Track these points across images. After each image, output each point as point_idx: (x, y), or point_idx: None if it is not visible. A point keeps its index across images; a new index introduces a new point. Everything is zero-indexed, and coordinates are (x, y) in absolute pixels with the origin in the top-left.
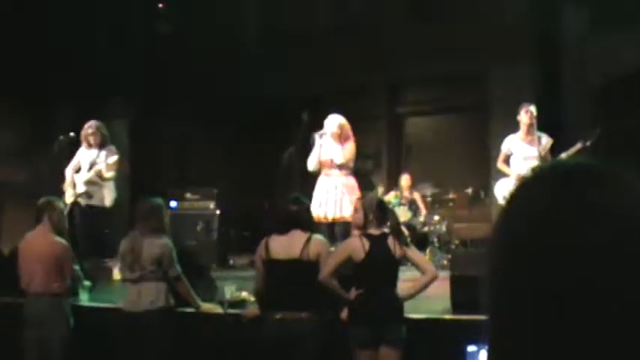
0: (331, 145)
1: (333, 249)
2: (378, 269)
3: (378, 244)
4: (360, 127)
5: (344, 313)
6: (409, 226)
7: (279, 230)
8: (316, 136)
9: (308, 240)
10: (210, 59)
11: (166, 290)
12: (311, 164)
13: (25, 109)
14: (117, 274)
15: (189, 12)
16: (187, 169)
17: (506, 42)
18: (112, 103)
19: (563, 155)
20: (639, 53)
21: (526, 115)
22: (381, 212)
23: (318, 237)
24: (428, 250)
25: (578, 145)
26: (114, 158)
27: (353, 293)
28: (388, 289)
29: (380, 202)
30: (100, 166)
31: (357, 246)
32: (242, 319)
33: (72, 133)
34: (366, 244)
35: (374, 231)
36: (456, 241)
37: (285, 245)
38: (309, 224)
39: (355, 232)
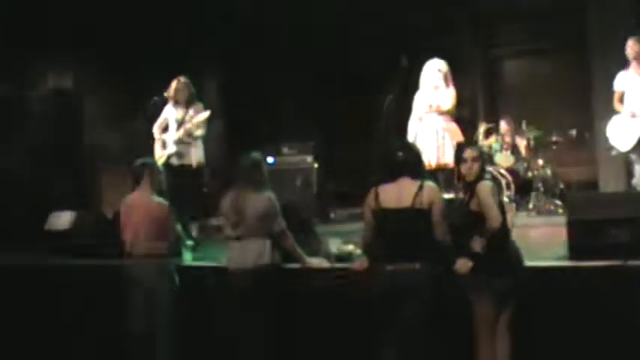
0: (432, 90)
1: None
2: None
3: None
4: (454, 71)
5: (462, 264)
6: (512, 171)
7: (388, 179)
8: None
9: (420, 187)
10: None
11: (271, 246)
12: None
13: (118, 73)
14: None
15: None
16: (282, 124)
17: None
18: (202, 61)
19: None
20: None
21: (632, 45)
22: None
23: (430, 184)
24: (533, 195)
25: None
26: (204, 115)
27: (478, 243)
28: (504, 238)
29: (477, 149)
30: (189, 124)
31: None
32: (351, 273)
33: (166, 93)
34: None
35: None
36: (561, 186)
37: (396, 194)
38: (420, 171)
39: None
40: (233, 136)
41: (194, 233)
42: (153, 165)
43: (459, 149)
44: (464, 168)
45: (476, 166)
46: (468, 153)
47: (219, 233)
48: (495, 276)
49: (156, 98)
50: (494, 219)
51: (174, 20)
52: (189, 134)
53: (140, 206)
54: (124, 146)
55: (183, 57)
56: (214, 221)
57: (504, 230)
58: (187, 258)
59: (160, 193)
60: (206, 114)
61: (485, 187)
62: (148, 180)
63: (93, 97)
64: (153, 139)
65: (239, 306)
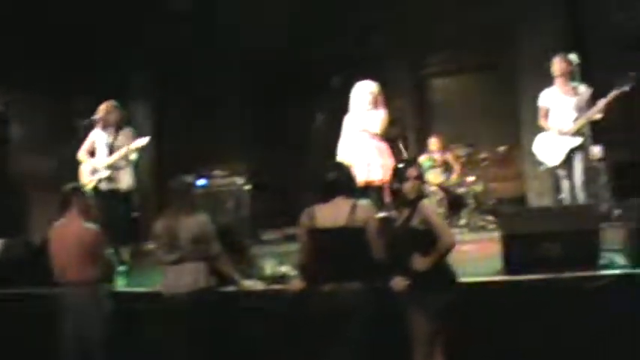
0: (363, 112)
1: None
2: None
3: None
4: (384, 90)
5: (398, 282)
6: (444, 188)
7: (322, 199)
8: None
9: (354, 206)
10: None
11: (206, 269)
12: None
13: (46, 99)
14: None
15: None
16: (212, 148)
17: None
18: (133, 84)
19: (602, 102)
20: None
21: (558, 62)
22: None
23: (364, 202)
24: (465, 211)
25: (616, 91)
26: (144, 141)
27: (423, 260)
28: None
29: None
30: (125, 149)
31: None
32: (287, 294)
33: (95, 117)
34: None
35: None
36: (492, 201)
37: (330, 214)
38: (352, 190)
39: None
40: (164, 160)
41: (126, 258)
42: (81, 189)
43: (402, 167)
44: (407, 186)
45: (417, 184)
46: (411, 171)
47: (152, 258)
48: (432, 293)
49: (85, 121)
50: (449, 237)
51: (103, 43)
52: (125, 159)
53: (70, 232)
54: (53, 171)
55: (113, 79)
56: (146, 246)
57: None
58: (120, 283)
59: (90, 218)
60: (145, 140)
61: (431, 206)
62: (78, 205)
63: (21, 121)
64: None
65: (175, 330)
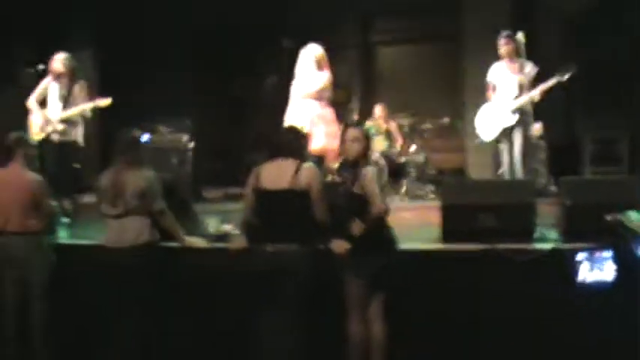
0: (307, 74)
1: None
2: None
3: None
4: (331, 56)
5: (338, 245)
6: (386, 156)
7: (268, 159)
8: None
9: (298, 168)
10: None
11: (150, 224)
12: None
13: None
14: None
15: None
16: (158, 102)
17: None
18: (77, 35)
19: (539, 88)
20: None
21: (503, 43)
22: (355, 143)
23: (309, 165)
24: (405, 181)
25: (555, 80)
26: (106, 101)
27: (359, 226)
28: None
29: (365, 134)
30: (88, 105)
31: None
32: (229, 252)
33: (41, 66)
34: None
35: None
36: (433, 171)
37: (276, 175)
38: (299, 153)
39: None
40: (108, 112)
41: (69, 210)
42: (26, 139)
43: (345, 130)
44: (343, 148)
45: (355, 146)
46: (349, 133)
47: (94, 211)
48: (369, 257)
49: (29, 70)
50: (377, 206)
51: None
52: (81, 114)
53: (13, 182)
54: None
55: (58, 30)
56: (89, 198)
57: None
58: (63, 235)
59: (34, 168)
60: (107, 100)
61: (369, 172)
62: (22, 155)
63: None
64: (26, 112)
65: (116, 284)
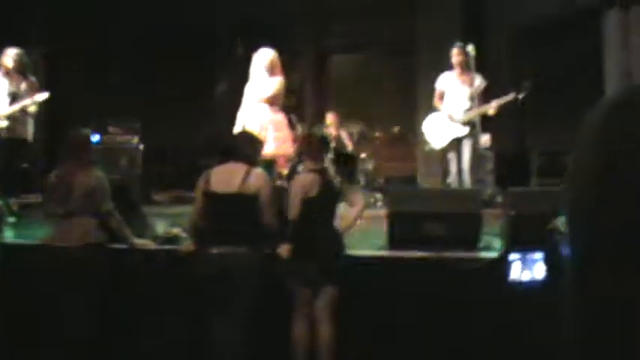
0: (260, 79)
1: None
2: (325, 204)
3: (326, 178)
4: (284, 62)
5: (283, 249)
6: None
7: (219, 163)
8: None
9: (248, 173)
10: None
11: (97, 225)
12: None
13: None
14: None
15: None
16: (108, 102)
17: None
18: (24, 29)
19: (494, 103)
20: None
21: (456, 54)
22: (324, 146)
23: (258, 170)
24: (355, 188)
25: (511, 96)
26: (43, 95)
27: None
28: (329, 224)
29: (323, 137)
30: (27, 101)
31: (311, 181)
32: (177, 255)
33: None
34: (319, 179)
35: (314, 166)
36: (382, 179)
37: (225, 178)
38: (250, 157)
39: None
40: (57, 111)
41: (14, 209)
42: None
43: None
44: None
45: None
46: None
47: (41, 210)
48: (304, 261)
49: None
50: (289, 212)
51: None
52: (23, 111)
53: None
54: None
55: (8, 26)
56: (35, 198)
57: (307, 219)
58: (8, 235)
59: None
60: (45, 95)
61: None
62: None
63: None
64: None
65: (62, 283)
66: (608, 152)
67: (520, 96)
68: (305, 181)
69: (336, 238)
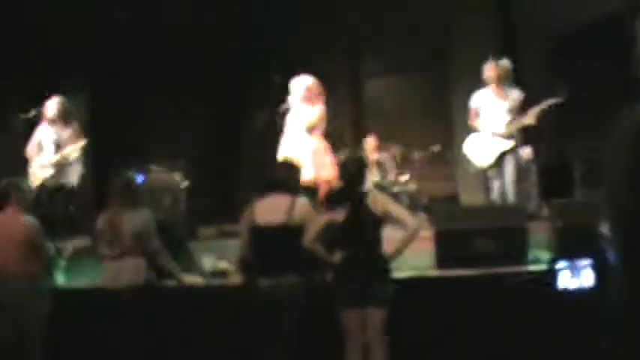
0: (299, 108)
1: None
2: (360, 229)
3: (358, 204)
4: (322, 87)
5: (330, 276)
6: (378, 186)
7: (263, 195)
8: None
9: (292, 203)
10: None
11: (146, 264)
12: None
13: None
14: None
15: None
16: (150, 142)
17: (465, 2)
18: (67, 79)
19: (532, 112)
20: (593, 3)
21: (490, 69)
22: (361, 171)
23: (302, 200)
24: None
25: (550, 101)
26: (81, 142)
27: (338, 255)
28: (372, 249)
29: (359, 161)
30: (68, 149)
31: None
32: (226, 288)
33: (33, 111)
34: (346, 204)
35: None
36: (425, 200)
37: (270, 210)
38: (293, 187)
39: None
40: (101, 153)
41: (66, 253)
42: (20, 184)
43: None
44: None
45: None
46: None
47: (90, 253)
48: (349, 287)
49: (23, 115)
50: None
51: (42, 36)
52: (65, 158)
53: (9, 226)
54: None
55: (51, 73)
56: (84, 241)
57: (344, 244)
58: (60, 278)
59: (29, 213)
60: (83, 141)
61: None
62: (16, 199)
63: None
64: (24, 159)
65: (115, 325)
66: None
67: (557, 100)
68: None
69: (379, 262)
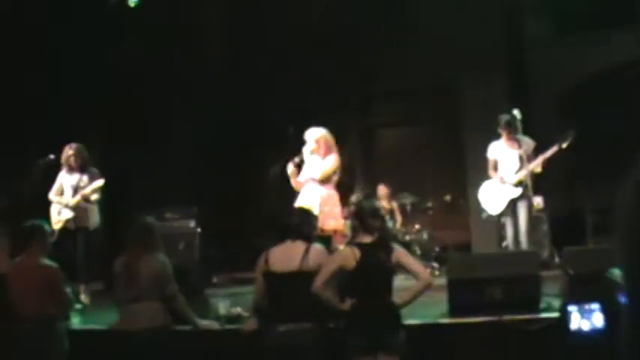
0: (311, 159)
1: None
2: (371, 278)
3: (369, 252)
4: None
5: (343, 323)
6: (391, 235)
7: (277, 242)
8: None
9: (307, 250)
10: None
11: (163, 308)
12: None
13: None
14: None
15: None
16: (162, 189)
17: (475, 54)
18: (82, 125)
19: (540, 159)
20: (602, 54)
21: (503, 128)
22: (374, 219)
23: (317, 246)
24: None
25: (555, 148)
26: (99, 182)
27: (348, 303)
28: (383, 297)
29: (373, 208)
30: (87, 190)
31: (348, 255)
32: (241, 334)
33: (51, 156)
34: (357, 253)
35: (366, 239)
36: (437, 248)
37: (285, 256)
38: (307, 234)
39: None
40: (115, 200)
41: (83, 296)
42: (42, 227)
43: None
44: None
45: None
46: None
47: (107, 296)
48: (359, 335)
49: (41, 161)
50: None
51: (54, 85)
52: (85, 200)
53: (29, 269)
54: (8, 208)
55: (64, 120)
56: (99, 285)
57: (353, 292)
58: (76, 321)
59: (49, 256)
60: (101, 182)
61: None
62: (37, 242)
63: None
64: (44, 203)
65: None
66: None
67: (563, 145)
68: (342, 255)
69: (387, 311)
